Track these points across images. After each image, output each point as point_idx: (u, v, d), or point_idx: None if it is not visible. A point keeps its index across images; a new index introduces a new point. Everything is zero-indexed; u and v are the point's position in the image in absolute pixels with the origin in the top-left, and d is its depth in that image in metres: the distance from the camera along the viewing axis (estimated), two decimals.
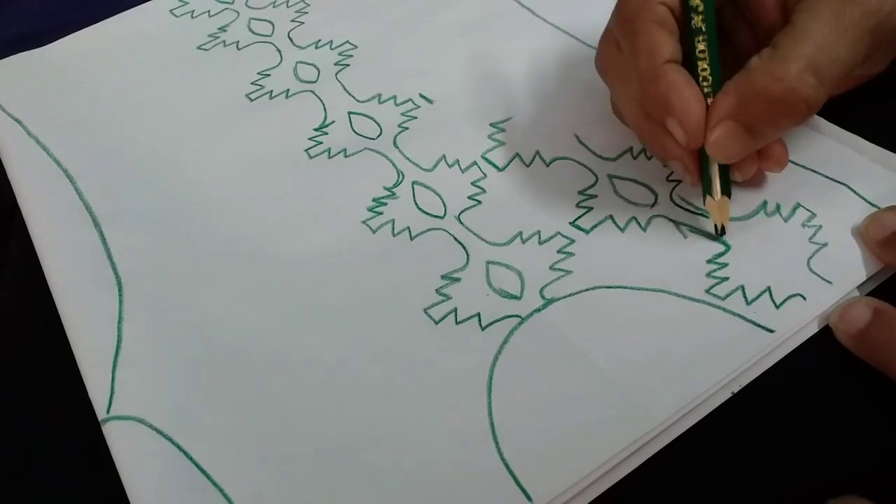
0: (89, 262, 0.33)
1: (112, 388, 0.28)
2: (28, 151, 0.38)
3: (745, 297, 0.29)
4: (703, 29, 0.29)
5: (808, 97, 0.27)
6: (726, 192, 0.30)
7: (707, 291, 0.29)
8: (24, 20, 0.50)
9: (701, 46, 0.29)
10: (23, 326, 0.33)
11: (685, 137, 0.28)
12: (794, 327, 0.28)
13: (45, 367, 0.31)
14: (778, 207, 0.31)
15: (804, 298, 0.28)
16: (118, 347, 0.29)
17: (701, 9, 0.29)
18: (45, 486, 0.28)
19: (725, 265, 0.30)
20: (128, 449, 0.27)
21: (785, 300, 0.28)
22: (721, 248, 0.30)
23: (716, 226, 0.30)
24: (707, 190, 0.30)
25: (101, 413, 0.28)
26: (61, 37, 0.46)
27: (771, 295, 0.29)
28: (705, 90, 0.29)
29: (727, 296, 0.29)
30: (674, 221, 0.32)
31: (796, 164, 0.32)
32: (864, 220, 0.30)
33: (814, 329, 0.28)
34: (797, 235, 0.30)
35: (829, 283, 0.29)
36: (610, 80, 0.32)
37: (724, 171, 0.30)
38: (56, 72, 0.44)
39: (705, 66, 0.29)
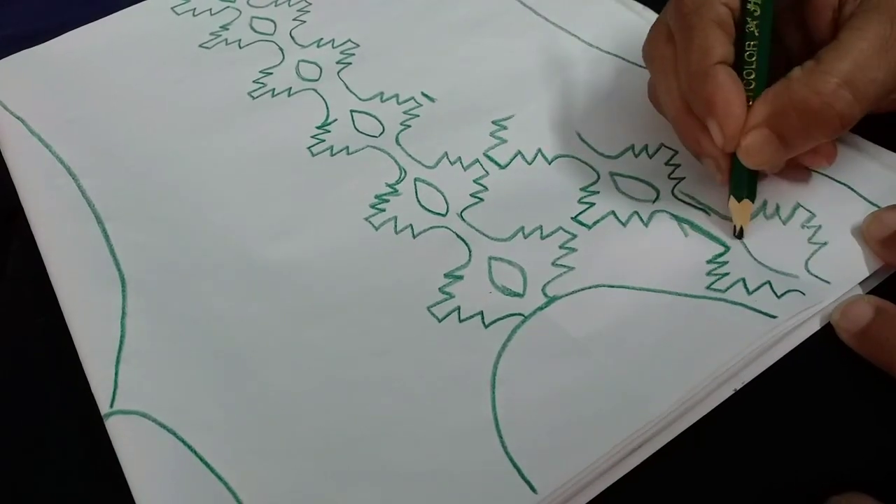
0: (92, 258, 0.33)
1: (115, 382, 0.28)
2: (30, 149, 0.38)
3: (746, 288, 0.29)
4: (757, 34, 0.29)
5: (842, 112, 0.27)
6: (751, 195, 0.30)
7: (708, 288, 0.29)
8: (24, 20, 0.50)
9: (750, 51, 0.29)
10: (25, 322, 0.33)
11: (722, 140, 0.28)
12: (796, 311, 0.28)
13: (47, 363, 0.31)
14: (777, 209, 0.31)
15: (803, 294, 0.28)
16: (121, 342, 0.29)
17: (757, 14, 0.29)
18: (47, 482, 0.28)
19: (725, 263, 0.30)
20: (131, 443, 0.27)
21: (785, 293, 0.29)
22: (721, 248, 0.30)
23: (735, 226, 0.30)
24: (732, 191, 0.30)
25: (104, 407, 0.28)
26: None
27: (772, 286, 0.29)
28: (748, 95, 0.29)
29: (728, 288, 0.29)
30: (676, 218, 0.32)
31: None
32: (866, 218, 0.30)
33: (815, 327, 0.28)
34: (796, 237, 0.30)
35: (828, 283, 0.29)
36: (655, 68, 0.32)
37: (753, 175, 0.30)
38: (57, 70, 0.44)
39: (751, 70, 0.29)
